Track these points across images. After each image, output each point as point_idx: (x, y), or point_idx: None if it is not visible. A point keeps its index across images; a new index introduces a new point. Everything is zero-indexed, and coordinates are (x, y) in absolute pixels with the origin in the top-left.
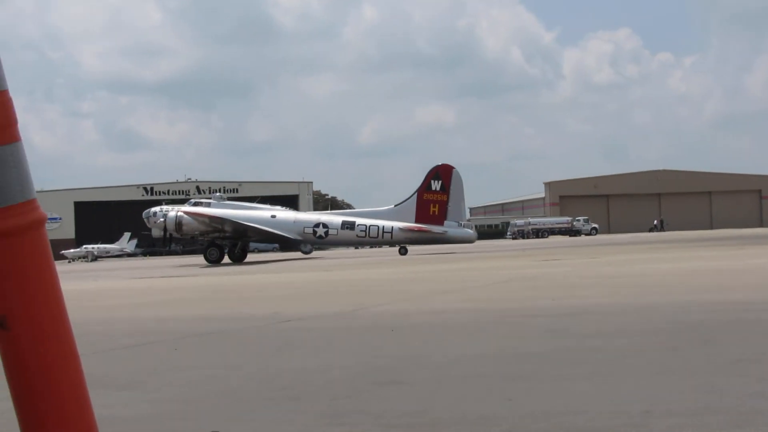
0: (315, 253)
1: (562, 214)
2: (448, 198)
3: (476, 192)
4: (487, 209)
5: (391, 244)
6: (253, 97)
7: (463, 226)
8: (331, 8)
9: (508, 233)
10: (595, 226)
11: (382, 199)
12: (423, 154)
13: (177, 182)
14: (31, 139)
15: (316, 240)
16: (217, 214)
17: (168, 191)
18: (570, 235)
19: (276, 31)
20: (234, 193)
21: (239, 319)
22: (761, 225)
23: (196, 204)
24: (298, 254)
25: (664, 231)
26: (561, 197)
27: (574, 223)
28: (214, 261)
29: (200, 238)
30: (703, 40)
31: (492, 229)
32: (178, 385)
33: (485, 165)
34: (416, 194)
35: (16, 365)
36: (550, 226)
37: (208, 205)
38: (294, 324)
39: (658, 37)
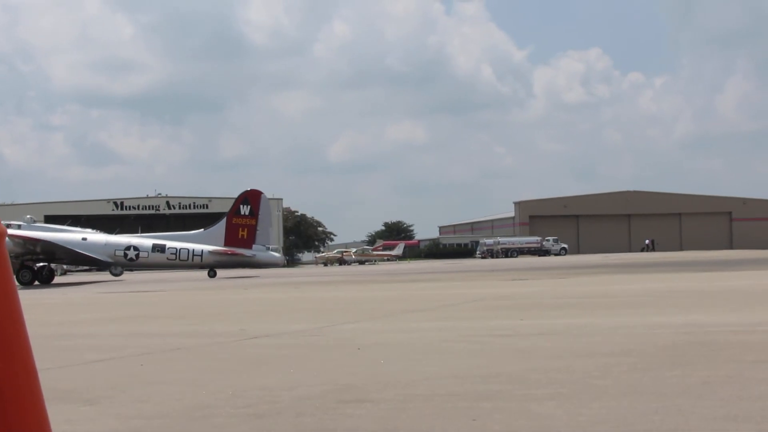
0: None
1: (531, 234)
2: (256, 222)
3: (446, 210)
4: (456, 228)
5: (202, 267)
6: (224, 113)
7: (271, 250)
8: (303, 25)
9: (478, 252)
10: (565, 246)
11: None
12: (394, 171)
13: (147, 197)
14: (2, 152)
15: (127, 262)
16: (31, 236)
17: (138, 206)
18: (539, 255)
19: (247, 47)
20: (204, 209)
21: (205, 335)
22: (731, 247)
23: (7, 226)
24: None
25: (655, 251)
26: (531, 217)
27: (544, 243)
28: (27, 283)
29: (13, 260)
30: (674, 60)
31: (461, 248)
32: (145, 401)
33: (456, 183)
34: (226, 218)
35: None
36: (520, 245)
37: (18, 227)
38: (260, 341)
39: (628, 57)
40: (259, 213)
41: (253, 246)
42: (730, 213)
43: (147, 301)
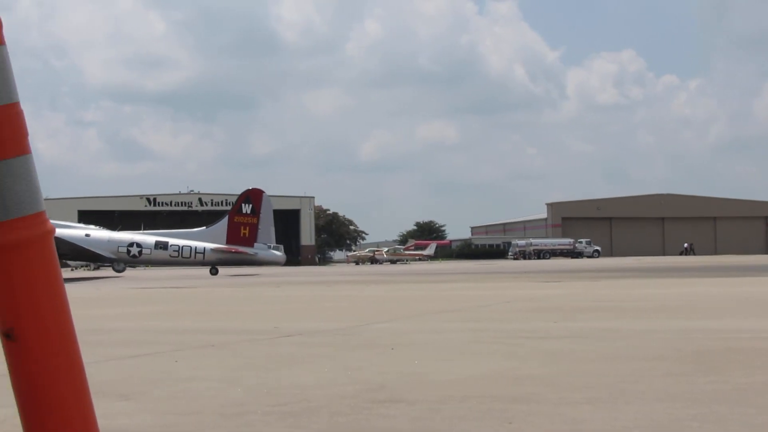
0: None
1: (564, 236)
2: (258, 221)
3: (477, 211)
4: (488, 228)
5: (203, 264)
6: (255, 110)
7: (272, 248)
8: (334, 23)
9: (510, 253)
10: (598, 248)
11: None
12: (425, 171)
13: (179, 194)
14: (36, 147)
15: (130, 259)
16: None
17: (170, 202)
18: (572, 257)
19: (279, 45)
20: None
21: (239, 332)
22: (767, 251)
23: None
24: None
25: (694, 255)
26: (563, 218)
27: (577, 245)
28: None
29: None
30: (708, 63)
31: (493, 249)
32: (179, 397)
33: (487, 183)
34: (228, 216)
35: (22, 377)
36: (552, 247)
37: None
38: (294, 339)
39: (662, 60)
40: (261, 212)
41: (255, 244)
42: (765, 217)
43: (175, 297)
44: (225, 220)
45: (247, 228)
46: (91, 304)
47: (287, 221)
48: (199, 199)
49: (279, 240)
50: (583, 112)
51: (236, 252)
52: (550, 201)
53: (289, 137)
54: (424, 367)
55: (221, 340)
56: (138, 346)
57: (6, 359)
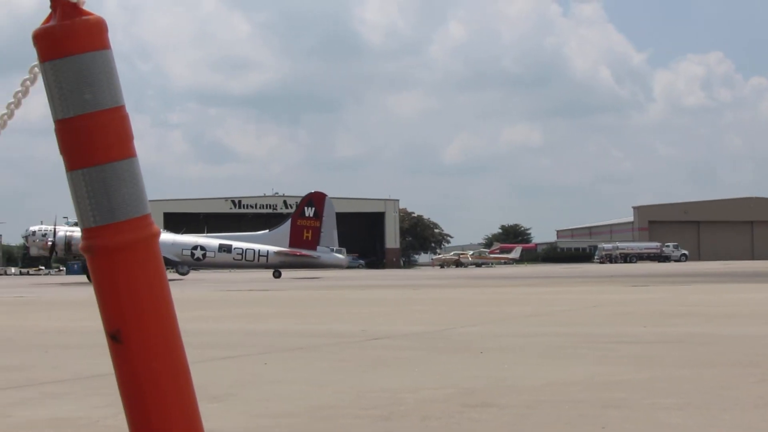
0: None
1: (650, 240)
2: (320, 224)
3: (562, 214)
4: (574, 232)
5: (266, 267)
6: (339, 112)
7: (334, 252)
8: (418, 25)
9: (596, 257)
10: (685, 252)
11: (467, 220)
12: (510, 173)
13: (264, 196)
14: None
15: (194, 262)
16: None
17: (255, 205)
18: (659, 261)
19: (362, 47)
20: None
21: (326, 335)
22: None
23: (74, 224)
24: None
25: None
26: (650, 222)
27: (664, 248)
28: None
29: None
30: None
31: (579, 252)
32: (270, 399)
33: (572, 186)
34: (290, 220)
35: (128, 378)
36: (639, 251)
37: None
38: (382, 342)
39: (751, 61)
40: (324, 215)
41: (318, 247)
42: None
43: (255, 300)
44: (288, 223)
45: (310, 231)
46: (183, 307)
47: (372, 224)
48: (284, 202)
49: (363, 243)
50: (670, 114)
51: (300, 255)
52: (636, 204)
53: (373, 139)
54: (513, 371)
55: (309, 342)
56: (226, 348)
57: (112, 360)
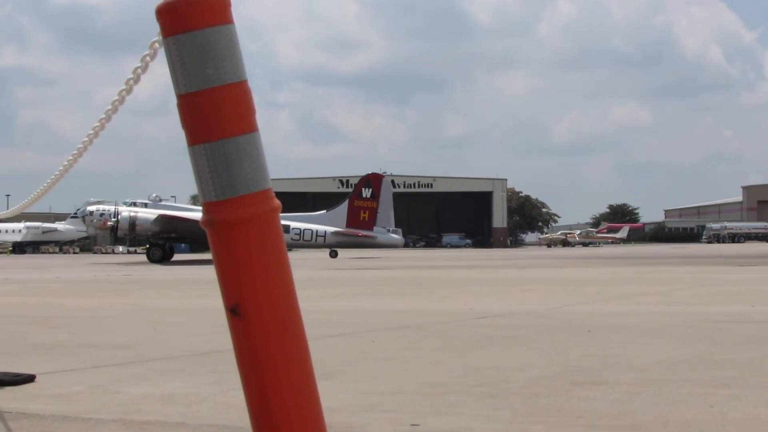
0: None
1: (759, 220)
2: (377, 205)
3: (670, 193)
4: (682, 212)
5: (324, 246)
6: (447, 92)
7: (390, 232)
8: (527, 4)
9: (704, 237)
10: None
11: (574, 199)
12: (617, 153)
13: None
14: None
15: None
16: (184, 216)
17: None
18: (767, 241)
19: (470, 26)
20: (428, 188)
21: (433, 313)
22: None
23: (131, 204)
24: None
25: None
26: (759, 202)
27: None
28: (158, 260)
29: (151, 239)
30: None
31: (687, 232)
32: (377, 377)
33: (681, 166)
34: (348, 200)
35: (247, 353)
36: (747, 231)
37: (144, 205)
38: (489, 321)
39: None
40: (380, 196)
41: (374, 228)
42: None
43: (365, 278)
44: (345, 204)
45: (367, 212)
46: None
47: (479, 203)
48: (392, 181)
49: (471, 222)
50: None
51: (357, 235)
52: (745, 184)
53: (481, 119)
54: (621, 349)
55: (416, 321)
56: (332, 326)
57: (231, 335)
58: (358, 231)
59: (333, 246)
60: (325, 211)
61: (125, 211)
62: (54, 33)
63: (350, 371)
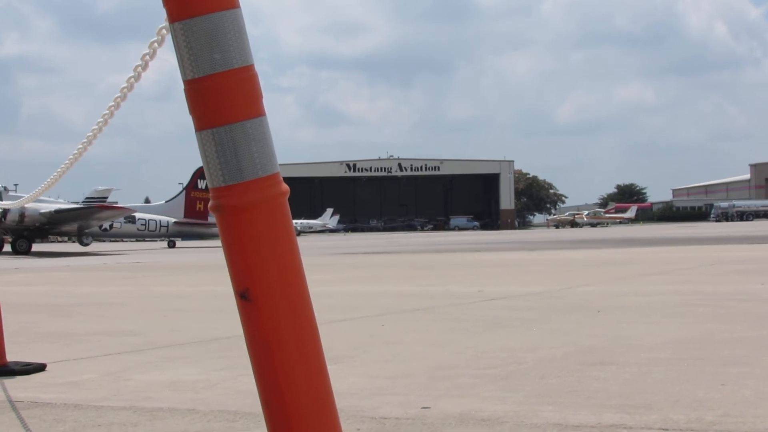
0: None
1: (767, 197)
2: None
3: (677, 173)
4: (690, 191)
5: (167, 236)
6: (451, 74)
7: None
8: None
9: (712, 215)
10: None
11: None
12: (624, 133)
13: (379, 159)
14: None
15: (101, 232)
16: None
17: (370, 168)
18: None
19: (473, 7)
20: (435, 171)
21: (443, 296)
22: None
23: None
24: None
25: None
26: (767, 180)
27: None
28: (24, 252)
29: (26, 232)
30: None
31: (695, 210)
32: (388, 360)
33: (687, 144)
34: (184, 192)
35: (257, 337)
36: (755, 209)
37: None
38: (499, 302)
39: None
40: None
41: (209, 218)
42: None
43: (374, 263)
44: (182, 196)
45: (202, 203)
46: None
47: (487, 185)
48: (399, 165)
49: (478, 204)
50: None
51: (196, 224)
52: (753, 162)
53: (486, 101)
54: (631, 329)
55: (426, 303)
56: (342, 311)
57: (241, 320)
58: (197, 221)
59: (174, 236)
60: (164, 201)
61: (8, 203)
62: (55, 18)
63: (360, 355)
